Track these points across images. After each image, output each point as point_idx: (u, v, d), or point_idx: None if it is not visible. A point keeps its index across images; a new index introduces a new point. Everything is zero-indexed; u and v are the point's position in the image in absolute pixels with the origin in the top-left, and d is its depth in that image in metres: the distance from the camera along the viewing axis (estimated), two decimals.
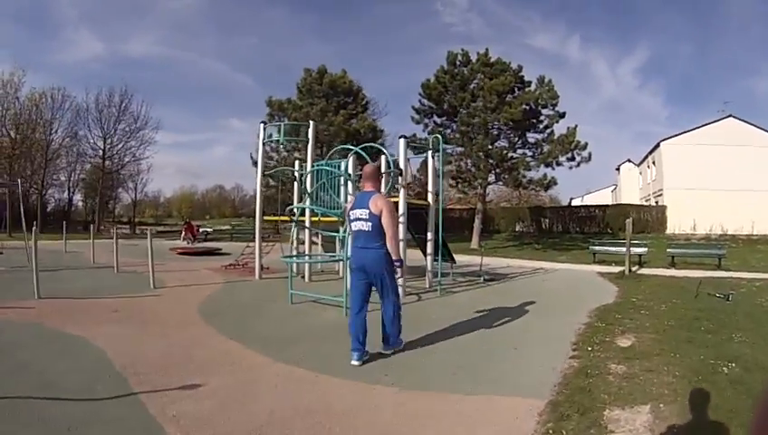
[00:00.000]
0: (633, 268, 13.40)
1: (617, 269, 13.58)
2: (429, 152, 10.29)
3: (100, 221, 38.69)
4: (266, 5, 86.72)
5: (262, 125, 11.99)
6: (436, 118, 23.99)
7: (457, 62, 23.11)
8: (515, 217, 34.18)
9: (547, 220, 32.38)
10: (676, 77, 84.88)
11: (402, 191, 8.98)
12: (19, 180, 17.57)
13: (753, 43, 71.66)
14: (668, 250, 15.62)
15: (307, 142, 11.44)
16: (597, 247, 16.84)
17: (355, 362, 4.65)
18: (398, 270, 4.94)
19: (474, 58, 22.81)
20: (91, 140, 39.37)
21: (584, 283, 11.48)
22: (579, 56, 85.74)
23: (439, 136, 9.71)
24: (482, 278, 11.39)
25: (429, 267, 10.02)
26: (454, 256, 11.85)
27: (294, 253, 9.53)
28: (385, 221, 4.74)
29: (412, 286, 10.00)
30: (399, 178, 9.00)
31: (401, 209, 8.93)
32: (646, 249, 15.35)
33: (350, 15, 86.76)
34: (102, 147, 38.78)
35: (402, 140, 9.15)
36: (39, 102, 36.38)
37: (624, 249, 13.50)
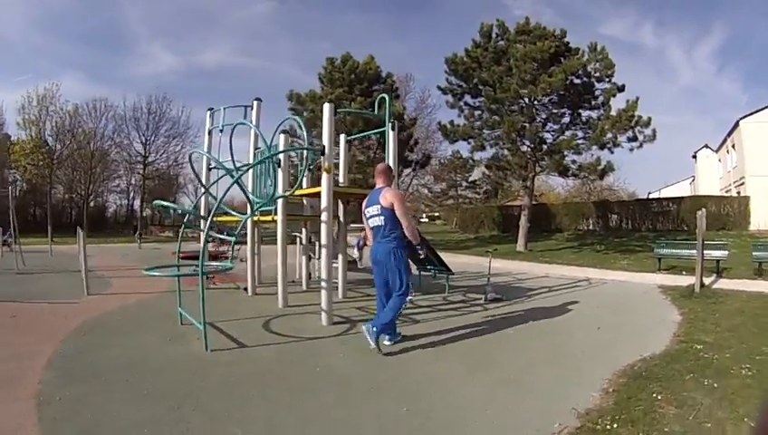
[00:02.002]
0: (708, 280, 9.63)
1: (687, 280, 9.87)
2: (389, 124, 7.20)
3: (145, 225, 38.03)
4: (337, 9, 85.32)
5: (208, 112, 9.47)
6: (468, 98, 20.56)
7: (493, 35, 19.59)
8: (579, 214, 29.75)
9: (615, 217, 27.86)
10: (755, 56, 75.89)
11: (325, 177, 5.96)
12: (9, 188, 16.15)
13: None
14: (754, 253, 11.59)
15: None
16: (663, 250, 12.96)
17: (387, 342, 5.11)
18: (420, 252, 5.29)
19: (513, 29, 19.24)
20: (133, 148, 39.19)
21: (633, 306, 7.93)
22: (653, 42, 78.60)
23: (386, 96, 6.54)
24: (484, 297, 8.16)
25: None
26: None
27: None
28: (398, 211, 4.86)
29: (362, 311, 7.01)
30: (322, 157, 6.01)
31: (324, 202, 5.98)
32: (726, 252, 11.45)
33: (421, 13, 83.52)
34: (143, 152, 38.38)
35: (328, 106, 6.10)
36: (74, 114, 36.62)
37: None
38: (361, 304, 7.70)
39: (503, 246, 22.43)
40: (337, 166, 8.42)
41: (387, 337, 5.16)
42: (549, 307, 7.63)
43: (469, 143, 20.28)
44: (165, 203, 5.57)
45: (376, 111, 6.96)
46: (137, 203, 52.52)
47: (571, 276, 11.97)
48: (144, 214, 43.33)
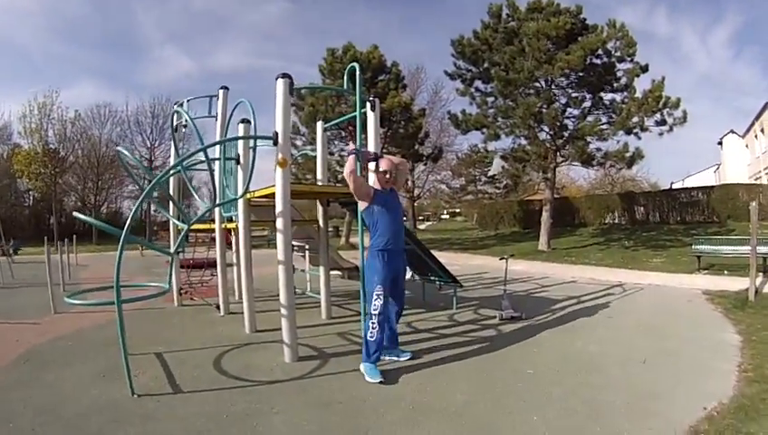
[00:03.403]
0: (756, 281, 8.09)
1: (734, 283, 8.43)
2: (368, 105, 5.86)
3: (155, 231, 37.28)
4: (348, 6, 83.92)
5: (175, 106, 8.29)
6: (479, 84, 19.04)
7: (503, 15, 18.07)
8: (604, 207, 27.98)
9: (641, 209, 26.09)
10: None
11: (279, 172, 4.65)
12: None
13: None
14: None
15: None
16: (703, 247, 11.42)
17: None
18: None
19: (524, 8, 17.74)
20: (137, 152, 38.51)
21: (679, 323, 6.42)
22: (667, 30, 75.54)
23: (355, 65, 5.19)
24: (499, 315, 6.74)
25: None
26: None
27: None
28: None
29: (344, 339, 5.66)
30: (275, 148, 4.70)
31: (279, 204, 4.69)
32: None
33: (434, 7, 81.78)
34: (149, 157, 37.77)
35: (281, 82, 4.75)
36: (76, 121, 36.31)
37: (745, 249, 8.36)
38: (347, 327, 6.34)
39: (524, 244, 21.04)
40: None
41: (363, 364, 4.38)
42: (578, 329, 6.17)
43: (483, 133, 18.79)
44: (82, 217, 4.35)
45: (345, 86, 5.59)
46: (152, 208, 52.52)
47: (602, 281, 10.51)
48: (154, 219, 42.50)
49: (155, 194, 5.15)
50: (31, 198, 42.74)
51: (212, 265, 9.74)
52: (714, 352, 4.88)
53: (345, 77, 5.62)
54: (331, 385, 4.12)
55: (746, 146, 34.20)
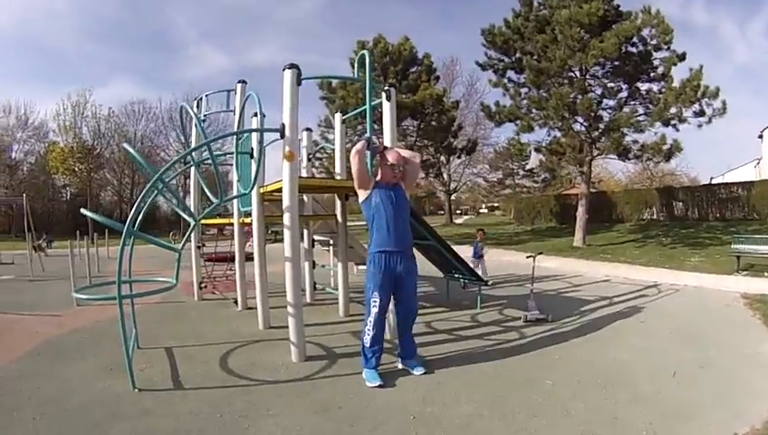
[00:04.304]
0: None
1: None
2: (383, 95, 5.60)
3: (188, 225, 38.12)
4: (383, 2, 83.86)
5: (195, 102, 8.38)
6: (512, 74, 18.47)
7: (535, 3, 17.54)
8: (642, 202, 26.92)
9: (680, 204, 25.04)
10: None
11: (287, 166, 4.46)
12: (24, 195, 15.33)
13: None
14: None
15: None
16: (744, 246, 10.77)
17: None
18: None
19: None
20: (172, 148, 39.39)
21: (714, 331, 5.91)
22: (705, 20, 72.79)
23: (366, 52, 4.96)
24: (523, 317, 6.40)
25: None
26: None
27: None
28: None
29: (358, 339, 5.45)
30: (283, 139, 4.52)
31: (286, 199, 4.52)
32: None
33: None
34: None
35: (289, 72, 4.54)
36: (109, 118, 37.60)
37: None
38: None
39: (559, 240, 20.41)
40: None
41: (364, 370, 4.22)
42: (607, 335, 5.77)
43: (516, 125, 18.25)
44: (89, 213, 4.30)
45: (356, 74, 5.35)
46: (187, 202, 53.53)
47: (637, 280, 9.98)
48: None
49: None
50: (68, 193, 43.95)
51: (231, 259, 9.74)
52: (750, 367, 4.46)
53: (356, 65, 5.35)
54: (334, 388, 3.95)
55: None
